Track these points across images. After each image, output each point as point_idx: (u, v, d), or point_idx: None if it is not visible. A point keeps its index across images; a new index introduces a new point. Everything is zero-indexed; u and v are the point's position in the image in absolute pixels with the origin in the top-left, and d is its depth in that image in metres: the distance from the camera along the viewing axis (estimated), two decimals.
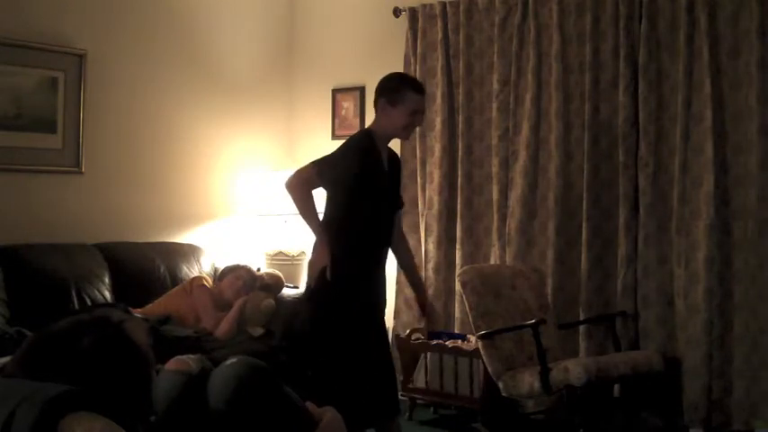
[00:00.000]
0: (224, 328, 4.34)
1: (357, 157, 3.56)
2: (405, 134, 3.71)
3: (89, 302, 4.22)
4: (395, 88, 3.61)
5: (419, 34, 5.07)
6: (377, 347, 3.73)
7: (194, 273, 4.77)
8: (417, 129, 5.02)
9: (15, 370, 1.52)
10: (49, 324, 1.61)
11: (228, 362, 2.31)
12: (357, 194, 3.56)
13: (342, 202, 3.60)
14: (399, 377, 4.86)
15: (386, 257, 3.75)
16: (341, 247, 3.56)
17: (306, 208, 3.62)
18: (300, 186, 3.61)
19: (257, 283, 4.69)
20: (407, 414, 4.71)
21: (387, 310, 5.10)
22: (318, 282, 3.57)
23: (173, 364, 2.45)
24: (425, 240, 5.00)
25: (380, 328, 3.80)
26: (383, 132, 3.65)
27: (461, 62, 4.90)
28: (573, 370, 3.79)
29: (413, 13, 5.10)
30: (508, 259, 4.69)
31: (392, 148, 3.79)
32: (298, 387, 2.45)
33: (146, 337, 1.60)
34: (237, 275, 4.65)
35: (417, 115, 3.63)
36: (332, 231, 3.59)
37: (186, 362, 2.40)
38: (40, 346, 1.55)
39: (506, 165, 4.75)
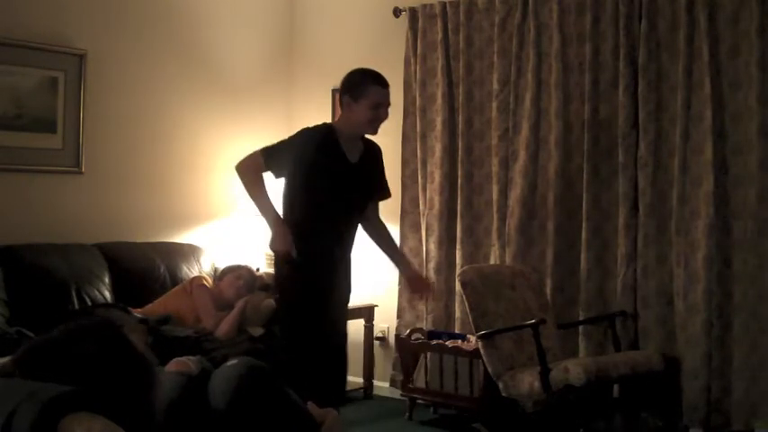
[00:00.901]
0: (224, 328, 4.34)
1: (306, 145, 3.56)
2: (371, 129, 3.65)
3: (89, 302, 4.22)
4: (357, 82, 3.60)
5: (419, 34, 5.07)
6: (332, 336, 3.70)
7: (194, 273, 4.77)
8: (418, 128, 5.05)
9: (15, 371, 1.52)
10: (51, 328, 1.62)
11: (229, 363, 2.31)
12: (306, 182, 3.56)
13: (290, 189, 3.60)
14: (399, 377, 4.88)
15: (348, 251, 3.71)
16: (293, 236, 3.55)
17: (255, 190, 3.60)
18: (248, 169, 3.61)
19: (257, 283, 4.69)
20: (407, 414, 4.72)
21: (388, 310, 5.16)
22: (283, 268, 3.58)
23: (173, 365, 2.45)
24: (426, 240, 5.00)
25: (336, 323, 3.74)
26: (348, 129, 3.63)
27: (461, 62, 4.90)
28: (573, 370, 3.79)
29: (413, 13, 5.10)
30: (508, 259, 4.69)
31: (375, 141, 3.75)
32: (298, 387, 2.45)
33: (144, 344, 1.61)
34: (238, 275, 4.65)
35: (381, 109, 3.60)
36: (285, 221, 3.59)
37: (186, 363, 2.41)
38: (40, 349, 1.55)
39: (506, 165, 4.75)
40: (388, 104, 3.68)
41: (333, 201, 3.61)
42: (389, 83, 3.69)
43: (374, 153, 3.80)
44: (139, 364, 1.56)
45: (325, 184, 3.58)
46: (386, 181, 3.88)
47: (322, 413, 2.40)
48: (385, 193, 3.89)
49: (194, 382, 2.27)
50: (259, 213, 3.64)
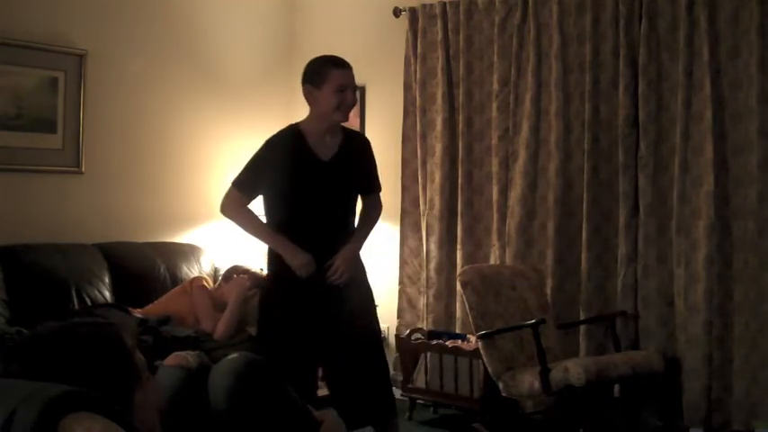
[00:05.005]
0: (220, 329, 4.31)
1: (270, 155, 3.43)
2: (339, 115, 3.40)
3: (89, 302, 4.22)
4: (316, 70, 3.41)
5: (419, 34, 5.07)
6: (356, 350, 3.48)
7: (194, 273, 4.76)
8: (418, 128, 5.04)
9: (5, 367, 1.52)
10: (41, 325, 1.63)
11: (229, 357, 2.31)
12: (277, 193, 3.42)
13: (269, 206, 3.48)
14: (399, 377, 4.87)
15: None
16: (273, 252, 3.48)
17: (249, 227, 3.51)
18: (231, 209, 3.50)
19: (261, 285, 4.65)
20: (407, 414, 4.71)
21: (388, 310, 5.14)
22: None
23: (172, 359, 2.46)
24: (427, 240, 5.00)
25: (351, 333, 3.48)
26: (317, 122, 3.43)
27: (461, 62, 4.90)
28: (573, 370, 3.79)
29: (413, 13, 5.10)
30: (508, 259, 4.69)
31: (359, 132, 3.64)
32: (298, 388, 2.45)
33: (132, 339, 1.60)
34: (242, 279, 4.57)
35: (346, 92, 3.37)
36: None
37: (185, 357, 2.41)
38: (29, 343, 1.56)
39: (506, 165, 4.75)
40: (354, 87, 3.45)
41: (306, 207, 3.43)
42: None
43: (357, 146, 3.55)
44: (124, 357, 1.56)
45: (296, 191, 3.41)
46: (374, 174, 3.61)
47: (321, 414, 2.40)
48: (370, 188, 3.61)
49: (194, 376, 2.27)
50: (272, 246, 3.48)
